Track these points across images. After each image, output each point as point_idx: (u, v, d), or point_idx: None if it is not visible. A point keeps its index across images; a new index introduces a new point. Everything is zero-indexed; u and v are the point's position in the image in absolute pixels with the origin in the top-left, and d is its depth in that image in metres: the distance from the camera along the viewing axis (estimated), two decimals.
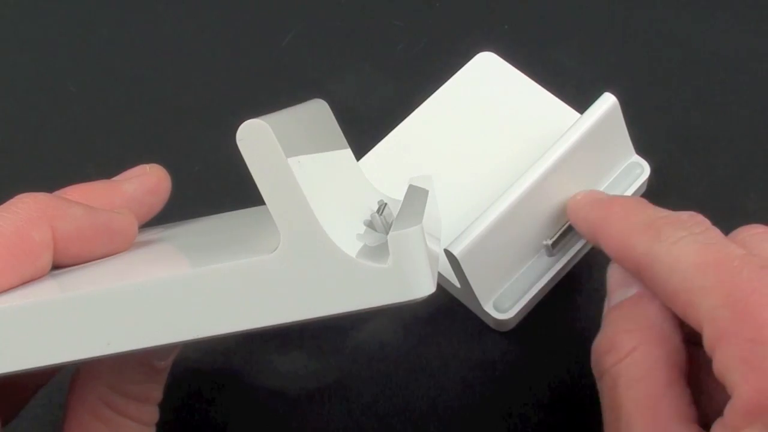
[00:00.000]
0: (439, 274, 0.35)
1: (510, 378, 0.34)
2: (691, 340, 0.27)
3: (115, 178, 0.29)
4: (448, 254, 0.31)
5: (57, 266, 0.25)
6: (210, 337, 0.23)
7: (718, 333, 0.24)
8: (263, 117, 0.21)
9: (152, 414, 0.28)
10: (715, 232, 0.27)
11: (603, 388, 0.28)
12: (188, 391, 0.35)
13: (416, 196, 0.27)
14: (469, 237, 0.31)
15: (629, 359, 0.27)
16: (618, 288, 0.29)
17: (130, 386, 0.26)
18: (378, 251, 0.23)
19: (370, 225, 0.25)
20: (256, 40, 0.44)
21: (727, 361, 0.24)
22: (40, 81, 0.44)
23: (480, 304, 0.33)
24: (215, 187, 0.40)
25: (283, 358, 0.35)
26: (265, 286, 0.22)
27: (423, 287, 0.22)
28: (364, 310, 0.22)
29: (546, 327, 0.35)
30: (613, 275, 0.30)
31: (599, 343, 0.29)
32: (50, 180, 0.29)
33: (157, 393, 0.28)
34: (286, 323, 0.22)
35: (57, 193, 0.27)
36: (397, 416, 0.34)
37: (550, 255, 0.34)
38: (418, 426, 0.34)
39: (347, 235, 0.23)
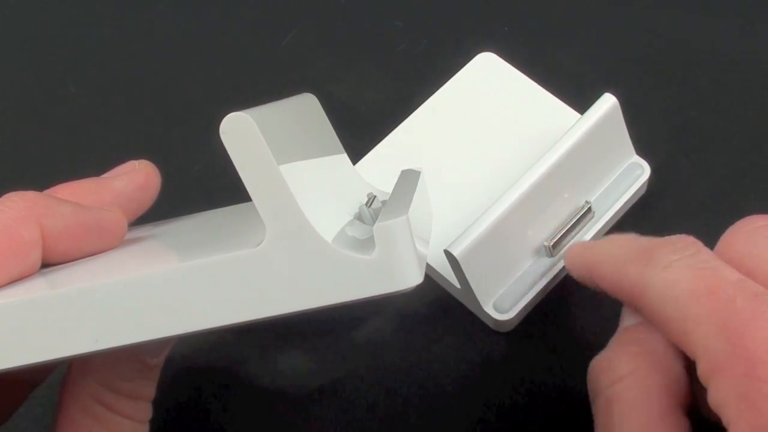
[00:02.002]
0: (439, 275, 0.35)
1: (510, 378, 0.34)
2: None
3: (104, 175, 0.29)
4: (448, 254, 0.31)
5: (47, 264, 0.25)
6: (197, 332, 0.23)
7: (713, 365, 0.23)
8: (247, 110, 0.21)
9: (145, 411, 0.28)
10: (708, 254, 0.26)
11: (597, 409, 0.27)
12: (188, 391, 0.35)
13: (405, 185, 0.27)
14: (469, 237, 0.31)
15: (625, 382, 0.26)
16: (627, 316, 0.29)
17: (122, 383, 0.26)
18: (365, 243, 0.23)
19: (359, 217, 0.25)
20: (256, 40, 0.44)
21: (722, 394, 0.23)
22: (40, 81, 0.44)
23: (480, 305, 0.33)
24: (215, 187, 0.40)
25: (283, 358, 0.35)
26: (251, 280, 0.22)
27: (410, 278, 0.22)
28: (352, 301, 0.22)
29: (546, 327, 0.35)
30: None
31: (597, 361, 0.28)
32: (50, 180, 0.29)
33: (150, 390, 0.28)
34: (274, 316, 0.22)
35: (47, 191, 0.27)
36: (397, 416, 0.34)
37: (550, 256, 0.34)
38: (418, 426, 0.34)
39: (334, 227, 0.23)
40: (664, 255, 0.26)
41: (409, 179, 0.28)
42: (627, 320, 0.29)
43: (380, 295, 0.22)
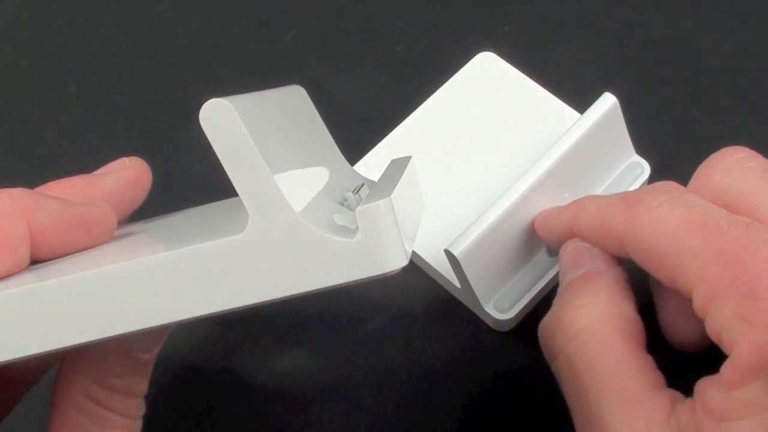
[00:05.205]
0: (439, 274, 0.35)
1: (510, 378, 0.34)
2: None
3: (95, 172, 0.29)
4: (449, 254, 0.31)
5: (36, 261, 0.25)
6: (184, 321, 0.22)
7: (711, 292, 0.24)
8: (228, 97, 0.21)
9: (138, 407, 0.27)
10: (694, 195, 0.26)
11: (559, 369, 0.28)
12: (187, 391, 0.35)
13: (393, 171, 0.27)
14: (469, 237, 0.31)
15: (582, 336, 0.27)
16: (569, 269, 0.29)
17: (113, 380, 0.26)
18: (349, 228, 0.23)
19: (345, 204, 0.25)
20: (256, 40, 0.44)
21: (722, 319, 0.24)
22: (40, 81, 0.44)
23: (480, 304, 0.33)
24: (215, 187, 0.39)
25: (283, 358, 0.35)
26: (234, 267, 0.22)
27: (393, 261, 0.22)
28: (337, 286, 0.22)
29: None
30: (564, 257, 0.30)
31: (548, 322, 0.29)
32: (49, 180, 0.29)
33: (142, 386, 0.28)
34: (260, 303, 0.22)
35: (37, 189, 0.27)
36: (397, 416, 0.34)
37: (551, 255, 0.34)
38: (418, 425, 0.34)
39: (318, 213, 0.23)
40: (652, 197, 0.26)
41: (397, 166, 0.27)
42: (568, 276, 0.29)
43: (366, 278, 0.22)
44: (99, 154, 0.41)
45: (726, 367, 0.24)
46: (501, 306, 0.34)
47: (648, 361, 0.26)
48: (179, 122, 0.42)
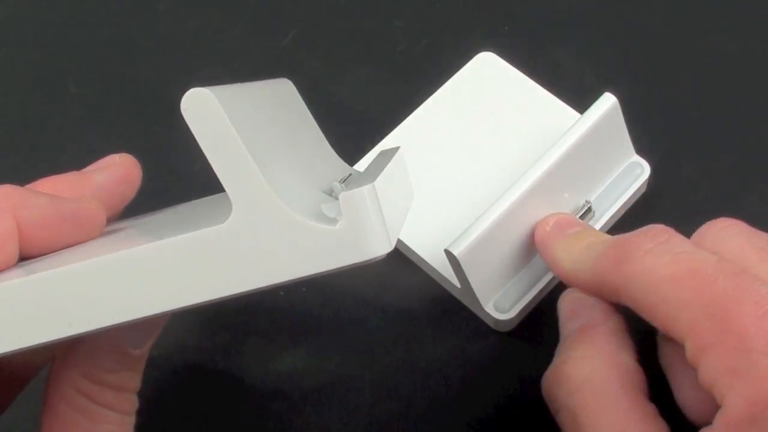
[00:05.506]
0: (440, 274, 0.35)
1: (510, 378, 0.34)
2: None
3: (84, 169, 0.29)
4: (449, 254, 0.31)
5: (25, 257, 0.25)
6: (170, 311, 0.23)
7: (701, 344, 0.24)
8: (210, 87, 0.21)
9: (131, 402, 0.27)
10: (681, 239, 0.27)
11: (563, 422, 0.28)
12: (186, 390, 0.35)
13: (380, 161, 0.27)
14: (469, 237, 0.31)
15: (584, 389, 0.27)
16: (567, 321, 0.30)
17: (105, 375, 0.26)
18: (333, 216, 0.23)
19: (333, 195, 0.25)
20: (256, 40, 0.44)
21: (712, 372, 0.24)
22: (40, 81, 0.44)
23: (480, 304, 0.33)
24: (215, 187, 0.39)
25: (282, 358, 0.35)
26: (219, 256, 0.22)
27: (377, 247, 0.22)
28: (323, 273, 0.22)
29: (546, 327, 0.35)
30: (562, 308, 0.30)
31: (548, 375, 0.29)
32: None
33: (135, 381, 0.27)
34: (246, 292, 0.22)
35: (27, 186, 0.27)
36: (397, 416, 0.34)
37: None
38: (418, 426, 0.34)
39: (304, 202, 0.23)
40: (639, 246, 0.26)
41: (385, 156, 0.27)
42: (567, 327, 0.29)
43: (351, 264, 0.22)
44: (99, 154, 0.41)
45: (718, 420, 0.24)
46: (501, 306, 0.34)
47: (650, 410, 0.27)
48: (179, 122, 0.41)
